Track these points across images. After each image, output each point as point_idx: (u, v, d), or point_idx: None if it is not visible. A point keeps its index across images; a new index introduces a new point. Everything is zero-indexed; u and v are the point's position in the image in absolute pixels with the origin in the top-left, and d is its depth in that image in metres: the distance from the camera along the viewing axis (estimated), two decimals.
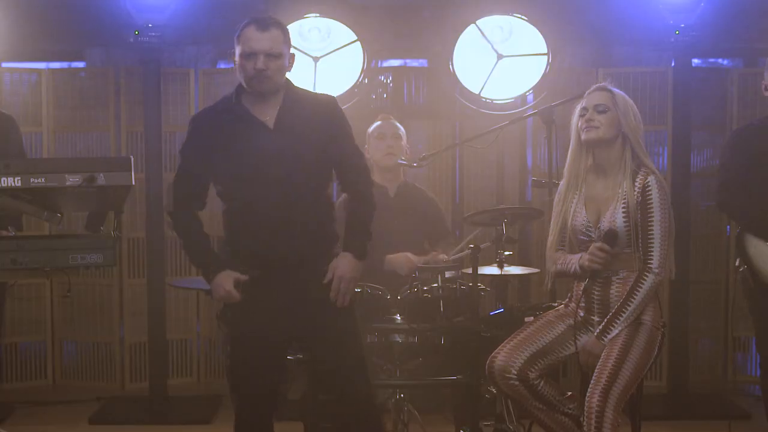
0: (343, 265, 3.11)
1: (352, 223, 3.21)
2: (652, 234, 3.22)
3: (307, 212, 3.11)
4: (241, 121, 3.09)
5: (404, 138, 4.52)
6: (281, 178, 3.06)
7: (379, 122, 4.51)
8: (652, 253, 3.22)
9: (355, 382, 3.17)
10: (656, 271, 3.21)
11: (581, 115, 3.34)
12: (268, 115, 3.09)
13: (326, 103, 3.19)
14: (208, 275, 3.14)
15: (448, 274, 3.91)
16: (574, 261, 3.32)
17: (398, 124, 4.52)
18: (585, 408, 3.10)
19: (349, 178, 3.24)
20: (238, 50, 3.07)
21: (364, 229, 3.20)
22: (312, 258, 3.12)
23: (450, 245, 4.54)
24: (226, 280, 3.09)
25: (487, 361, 3.32)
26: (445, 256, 4.29)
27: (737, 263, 4.04)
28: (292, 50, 3.14)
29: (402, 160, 4.41)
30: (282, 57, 3.06)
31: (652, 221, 3.22)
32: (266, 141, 3.07)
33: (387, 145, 4.40)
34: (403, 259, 4.25)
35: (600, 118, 3.29)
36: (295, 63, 3.16)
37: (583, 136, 3.31)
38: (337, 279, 3.10)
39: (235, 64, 3.11)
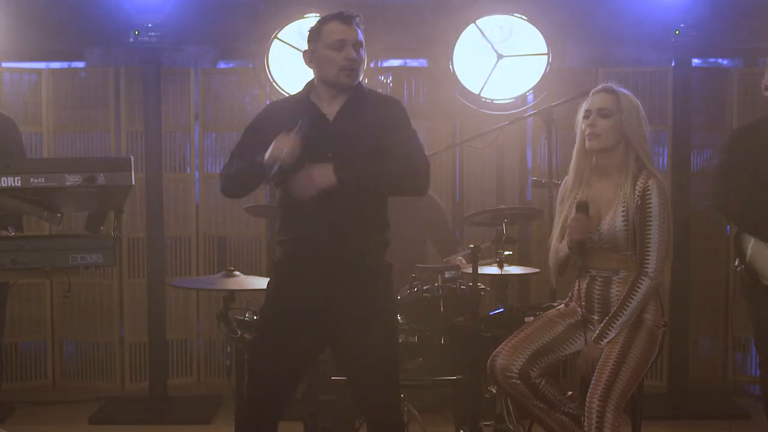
0: (321, 165, 2.97)
1: (377, 157, 3.05)
2: (650, 238, 3.21)
3: (356, 208, 3.06)
4: (304, 112, 3.08)
5: None
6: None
7: None
8: (648, 258, 3.21)
9: (384, 386, 3.14)
10: (652, 275, 3.21)
11: (585, 117, 3.34)
12: (333, 109, 3.11)
13: (391, 104, 3.18)
14: (259, 160, 2.96)
15: (448, 274, 3.91)
16: (565, 244, 3.34)
17: None
18: (586, 408, 3.10)
19: None
20: (319, 44, 3.07)
21: (375, 169, 3.03)
22: (357, 256, 3.08)
23: (456, 244, 4.56)
24: (282, 136, 2.93)
25: (489, 360, 3.31)
26: (462, 259, 4.33)
27: (736, 263, 4.04)
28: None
29: None
30: (363, 50, 3.11)
31: (650, 225, 3.21)
32: (323, 132, 3.06)
33: None
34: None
35: (603, 124, 3.28)
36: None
37: (586, 144, 3.31)
38: (306, 169, 2.97)
39: (310, 61, 3.11)
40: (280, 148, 2.93)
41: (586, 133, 3.30)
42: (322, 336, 3.12)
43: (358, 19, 3.11)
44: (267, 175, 2.97)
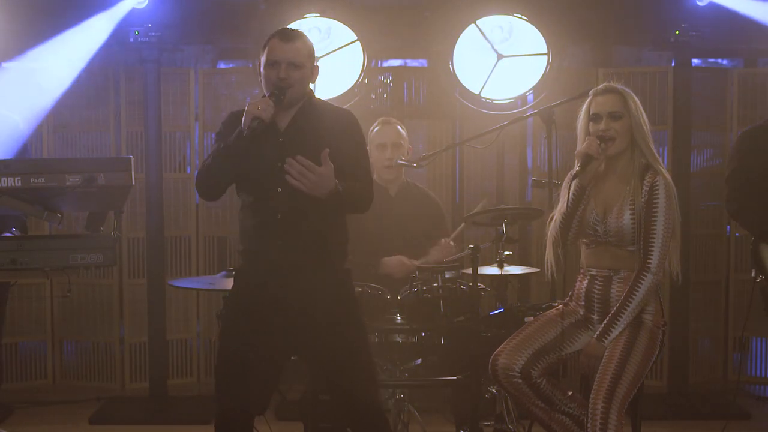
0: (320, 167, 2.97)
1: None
2: (654, 234, 3.21)
3: (310, 218, 3.08)
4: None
5: (406, 140, 4.50)
6: (284, 179, 3.06)
7: (378, 127, 4.46)
8: (651, 253, 3.21)
9: (363, 387, 3.14)
10: (654, 270, 3.21)
11: (593, 121, 3.30)
12: (284, 120, 3.14)
13: (342, 116, 3.22)
14: (236, 132, 3.04)
15: (448, 274, 3.90)
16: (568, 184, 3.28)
17: (399, 128, 4.49)
18: (589, 411, 3.10)
19: None
20: (263, 60, 3.14)
21: (348, 189, 3.07)
22: (312, 266, 3.10)
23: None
24: (253, 101, 3.02)
25: (490, 360, 3.32)
26: (450, 241, 4.30)
27: (753, 274, 4.02)
28: (317, 63, 3.20)
29: (402, 160, 4.40)
30: (303, 68, 3.12)
31: (656, 221, 3.21)
32: (273, 142, 3.10)
33: (386, 157, 4.37)
34: (396, 263, 4.21)
35: (616, 126, 3.26)
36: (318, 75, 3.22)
37: (604, 150, 3.26)
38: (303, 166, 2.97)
39: (259, 74, 3.18)
40: (255, 105, 3.00)
41: (599, 137, 3.26)
42: (285, 343, 3.13)
43: (300, 37, 3.13)
44: (246, 137, 2.99)
